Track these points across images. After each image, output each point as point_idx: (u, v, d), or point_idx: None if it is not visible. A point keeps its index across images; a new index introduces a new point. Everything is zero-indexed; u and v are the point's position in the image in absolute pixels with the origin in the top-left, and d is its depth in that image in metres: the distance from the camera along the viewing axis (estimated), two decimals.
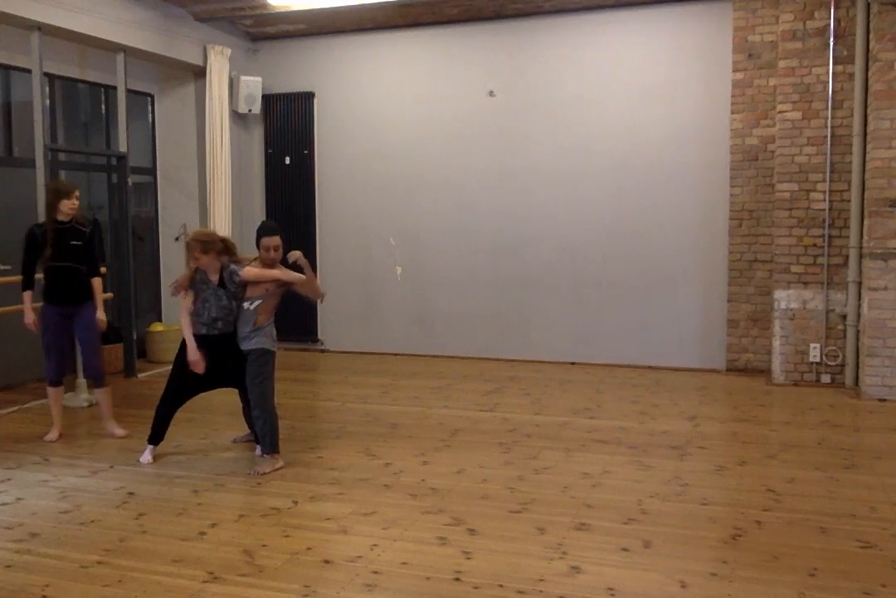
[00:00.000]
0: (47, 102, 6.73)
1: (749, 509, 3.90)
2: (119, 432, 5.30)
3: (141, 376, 7.34)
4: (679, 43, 7.26)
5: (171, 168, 8.32)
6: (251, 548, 3.47)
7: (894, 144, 6.09)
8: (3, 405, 6.13)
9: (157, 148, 8.34)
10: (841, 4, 6.45)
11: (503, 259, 7.90)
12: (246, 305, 4.65)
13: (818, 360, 6.67)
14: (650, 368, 7.45)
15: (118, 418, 5.41)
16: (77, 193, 5.26)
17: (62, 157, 7.49)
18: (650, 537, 3.56)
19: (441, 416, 5.79)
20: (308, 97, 8.46)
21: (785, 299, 6.72)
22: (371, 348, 8.39)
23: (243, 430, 5.14)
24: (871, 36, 6.23)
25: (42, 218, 6.39)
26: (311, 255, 7.78)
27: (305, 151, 8.51)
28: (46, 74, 6.61)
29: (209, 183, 7.93)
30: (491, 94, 7.85)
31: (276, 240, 4.63)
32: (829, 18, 6.48)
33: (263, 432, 4.59)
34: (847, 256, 6.53)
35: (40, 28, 6.27)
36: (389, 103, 8.20)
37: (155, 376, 7.31)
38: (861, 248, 6.42)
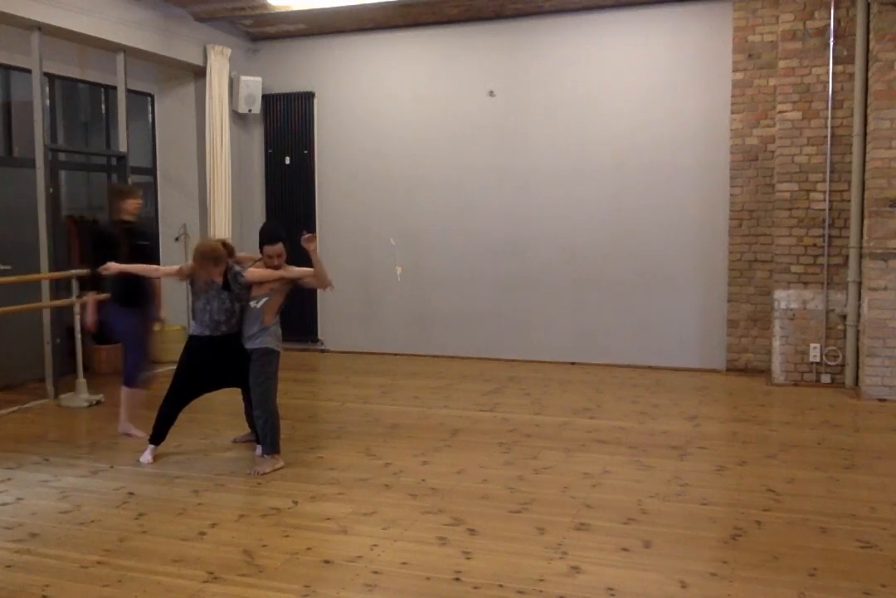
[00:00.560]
0: (47, 102, 6.73)
1: (749, 509, 3.90)
2: (138, 433, 5.23)
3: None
4: (679, 43, 7.26)
5: (171, 168, 8.32)
6: (251, 548, 3.47)
7: (894, 144, 6.08)
8: (3, 405, 6.12)
9: (157, 148, 8.34)
10: (841, 4, 6.45)
11: (503, 259, 7.90)
12: (252, 303, 4.64)
13: (818, 360, 6.67)
14: (650, 368, 7.45)
15: (117, 417, 5.40)
16: (139, 192, 5.32)
17: (62, 157, 7.49)
18: (650, 537, 3.56)
19: (441, 416, 5.79)
20: (308, 97, 8.46)
21: (785, 298, 6.72)
22: (371, 348, 8.39)
23: (244, 430, 5.14)
24: (871, 36, 6.23)
25: (41, 219, 6.45)
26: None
27: (305, 151, 8.51)
28: (46, 74, 6.62)
29: (209, 183, 7.93)
30: (491, 94, 7.85)
31: (278, 248, 4.60)
32: (829, 18, 6.48)
33: (264, 432, 4.59)
34: (847, 256, 6.53)
35: (40, 28, 6.28)
36: (389, 103, 8.20)
37: (155, 377, 7.31)
38: (861, 248, 6.42)
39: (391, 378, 7.18)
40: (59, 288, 6.61)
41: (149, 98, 8.28)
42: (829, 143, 6.53)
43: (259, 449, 4.74)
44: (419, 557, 3.37)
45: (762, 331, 7.09)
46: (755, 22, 6.94)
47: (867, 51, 6.32)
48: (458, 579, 3.16)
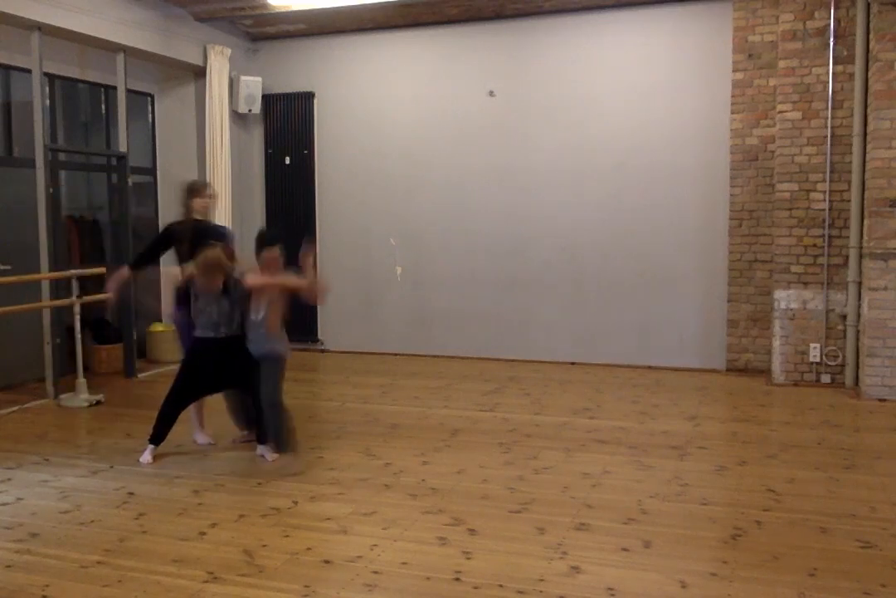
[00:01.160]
0: (47, 102, 6.73)
1: (749, 509, 3.90)
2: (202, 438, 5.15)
3: (141, 376, 7.34)
4: (679, 43, 7.26)
5: (171, 168, 8.31)
6: (251, 548, 3.47)
7: (894, 144, 6.08)
8: (3, 405, 6.12)
9: (157, 148, 8.34)
10: (841, 4, 6.45)
11: (503, 259, 7.90)
12: (253, 316, 4.61)
13: (818, 360, 6.67)
14: (650, 368, 7.45)
15: (117, 417, 5.41)
16: (209, 191, 5.19)
17: (62, 157, 7.49)
18: (650, 537, 3.56)
19: (441, 416, 5.79)
20: (308, 97, 8.46)
21: (785, 298, 6.72)
22: (371, 348, 8.39)
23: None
24: (871, 36, 6.23)
25: (41, 219, 6.45)
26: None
27: (305, 151, 8.51)
28: (46, 74, 6.61)
29: (209, 183, 7.92)
30: (491, 94, 7.85)
31: (275, 253, 4.56)
32: (829, 18, 6.48)
33: (276, 432, 4.59)
34: (847, 256, 6.53)
35: (40, 28, 6.28)
36: (389, 103, 8.20)
37: (155, 376, 7.32)
38: (861, 248, 6.42)
39: (391, 378, 7.18)
40: (59, 288, 6.61)
41: (149, 98, 8.28)
42: (829, 143, 6.53)
43: (260, 449, 4.74)
44: (419, 557, 3.37)
45: (762, 331, 7.09)
46: (755, 22, 6.94)
47: (867, 51, 6.32)
48: (458, 579, 3.16)
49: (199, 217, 5.11)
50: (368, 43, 8.21)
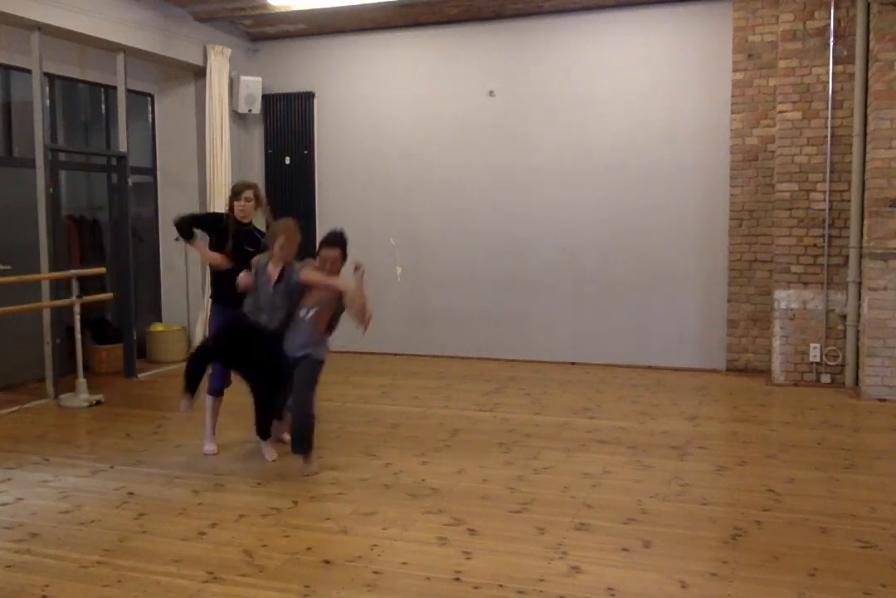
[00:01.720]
0: (47, 102, 6.73)
1: (749, 509, 3.90)
2: (288, 437, 4.91)
3: (141, 376, 7.33)
4: (679, 43, 7.26)
5: (171, 168, 8.32)
6: (251, 548, 3.47)
7: (894, 144, 6.08)
8: (3, 405, 6.12)
9: (157, 148, 8.34)
10: (841, 4, 6.45)
11: (503, 259, 7.90)
12: (301, 313, 4.50)
13: (818, 360, 6.67)
14: (650, 368, 7.45)
15: (117, 417, 5.41)
16: (247, 194, 4.88)
17: (62, 157, 7.49)
18: (650, 537, 3.56)
19: (441, 416, 5.79)
20: (308, 97, 8.46)
21: (785, 298, 6.72)
22: (371, 348, 8.38)
23: (244, 430, 5.12)
24: (871, 36, 6.23)
25: (41, 219, 6.45)
26: (311, 255, 7.76)
27: (305, 151, 8.51)
28: (46, 74, 6.61)
29: (209, 183, 7.93)
30: (491, 94, 7.85)
31: (334, 254, 4.47)
32: (829, 18, 6.48)
33: (302, 436, 4.45)
34: (847, 256, 6.53)
35: (40, 28, 6.27)
36: (389, 103, 8.20)
37: (155, 376, 7.32)
38: (861, 248, 6.42)
39: (391, 378, 7.18)
40: (59, 288, 6.61)
41: (149, 98, 8.28)
42: (829, 143, 6.53)
43: (266, 452, 4.72)
44: (419, 557, 3.37)
45: (762, 331, 7.09)
46: (755, 22, 6.94)
47: (867, 51, 6.32)
48: (458, 579, 3.16)
49: (240, 219, 4.92)
50: (368, 43, 8.21)
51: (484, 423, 5.60)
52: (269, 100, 8.52)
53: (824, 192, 6.58)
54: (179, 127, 8.24)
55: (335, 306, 4.58)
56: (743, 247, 7.13)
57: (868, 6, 6.25)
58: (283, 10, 7.22)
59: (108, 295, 6.98)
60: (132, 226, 7.41)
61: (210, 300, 5.06)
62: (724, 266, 7.21)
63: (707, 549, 3.45)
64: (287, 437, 5.03)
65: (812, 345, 6.67)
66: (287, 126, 8.53)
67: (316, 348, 4.56)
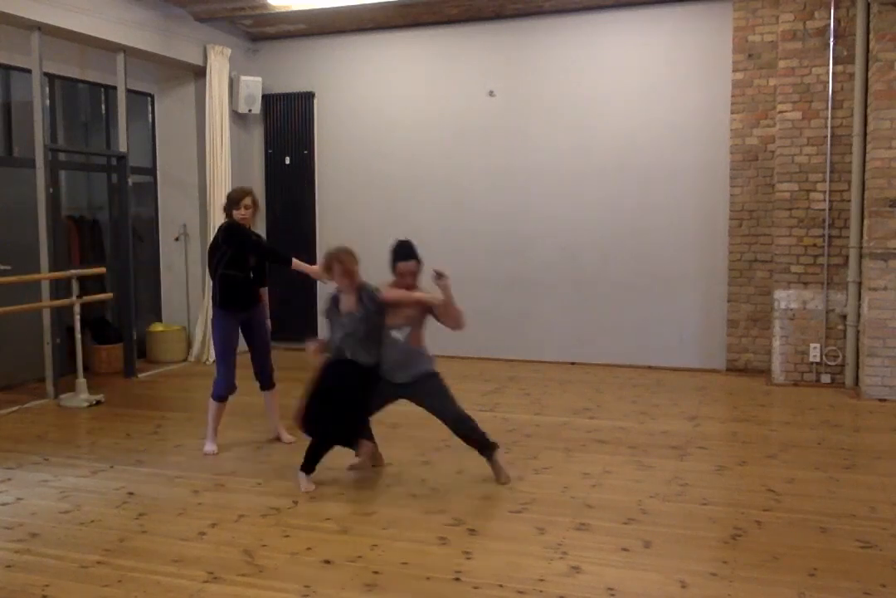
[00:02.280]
0: (47, 102, 6.73)
1: (749, 509, 3.90)
2: (288, 437, 5.04)
3: (141, 376, 7.33)
4: (679, 43, 7.25)
5: (171, 168, 8.31)
6: (251, 548, 3.47)
7: (894, 144, 6.08)
8: (3, 405, 6.12)
9: (157, 148, 8.34)
10: (841, 4, 6.45)
11: (503, 259, 7.90)
12: (394, 333, 4.24)
13: (818, 360, 6.67)
14: (650, 368, 7.44)
15: (117, 417, 5.41)
16: (246, 202, 4.78)
17: (62, 157, 7.49)
18: (650, 537, 3.56)
19: None
20: (308, 97, 8.46)
21: (785, 298, 6.72)
22: None
23: (245, 431, 5.12)
24: (871, 36, 6.23)
25: (41, 219, 6.45)
26: (311, 255, 7.78)
27: (305, 151, 8.51)
28: (46, 74, 6.61)
29: (209, 183, 7.93)
30: (491, 94, 7.84)
31: (412, 265, 4.30)
32: (829, 18, 6.48)
33: (478, 437, 4.39)
34: (847, 256, 6.53)
35: (40, 28, 6.27)
36: (389, 103, 8.19)
37: (155, 377, 7.32)
38: (861, 248, 6.42)
39: None
40: (59, 288, 6.61)
41: (149, 98, 8.28)
42: (829, 143, 6.53)
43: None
44: (419, 557, 3.37)
45: (762, 331, 7.09)
46: (755, 22, 6.94)
47: (867, 51, 6.32)
48: (458, 579, 3.16)
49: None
50: (368, 43, 8.21)
51: (484, 423, 5.54)
52: (269, 100, 8.52)
53: (824, 192, 6.58)
54: (179, 127, 8.24)
55: (425, 319, 4.33)
56: (743, 247, 7.13)
57: (868, 6, 6.25)
58: (283, 10, 7.22)
59: (108, 295, 6.98)
60: (132, 226, 7.41)
61: (214, 305, 4.92)
62: (724, 266, 7.21)
63: (707, 549, 3.45)
64: (288, 437, 5.05)
65: (812, 345, 6.67)
66: (287, 126, 8.53)
67: (427, 364, 4.37)
